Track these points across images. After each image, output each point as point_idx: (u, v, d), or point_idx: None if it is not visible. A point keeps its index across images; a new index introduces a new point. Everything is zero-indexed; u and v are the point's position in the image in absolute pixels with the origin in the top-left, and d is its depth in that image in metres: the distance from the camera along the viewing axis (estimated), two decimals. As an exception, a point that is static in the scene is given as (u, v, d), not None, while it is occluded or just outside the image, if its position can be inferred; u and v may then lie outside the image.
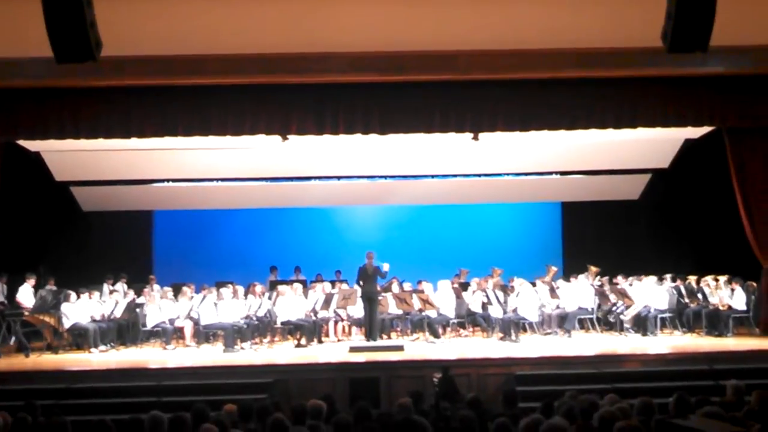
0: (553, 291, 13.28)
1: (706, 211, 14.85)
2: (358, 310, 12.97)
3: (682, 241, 15.35)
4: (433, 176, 15.28)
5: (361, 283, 12.54)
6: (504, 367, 10.44)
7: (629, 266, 14.30)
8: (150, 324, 12.77)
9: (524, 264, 14.82)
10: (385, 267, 12.52)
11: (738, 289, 13.05)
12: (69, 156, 13.18)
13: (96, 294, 13.02)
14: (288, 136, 11.52)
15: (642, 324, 12.90)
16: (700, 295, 13.22)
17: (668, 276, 13.76)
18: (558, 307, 13.19)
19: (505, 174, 15.17)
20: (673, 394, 5.90)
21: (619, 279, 13.85)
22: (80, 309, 12.40)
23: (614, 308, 13.12)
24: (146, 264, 16.50)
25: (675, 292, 13.42)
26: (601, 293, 13.43)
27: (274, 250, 16.51)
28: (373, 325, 12.30)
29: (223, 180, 15.06)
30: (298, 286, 13.48)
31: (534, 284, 13.34)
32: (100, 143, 11.17)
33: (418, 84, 10.61)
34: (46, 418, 6.33)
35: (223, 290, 12.72)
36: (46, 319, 12.31)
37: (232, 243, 16.89)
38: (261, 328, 12.87)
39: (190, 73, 9.76)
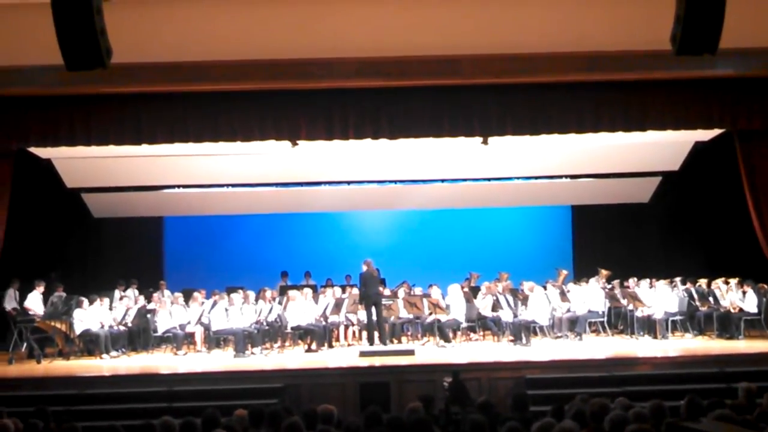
0: (563, 294, 13.27)
1: (716, 213, 14.80)
2: (368, 314, 12.96)
3: (692, 244, 15.30)
4: (443, 180, 15.26)
5: (364, 288, 12.36)
6: (514, 371, 10.43)
7: (640, 269, 14.27)
8: (161, 330, 12.83)
9: (535, 267, 14.80)
10: None
11: (749, 291, 13.02)
12: (80, 163, 13.23)
13: (107, 300, 13.09)
14: (297, 142, 11.53)
15: (653, 327, 12.87)
16: (711, 298, 13.18)
17: (679, 279, 13.72)
18: (569, 310, 13.18)
19: (514, 178, 15.14)
20: (685, 397, 5.87)
21: (630, 283, 13.82)
22: (91, 315, 12.46)
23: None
24: (157, 270, 16.52)
25: (686, 294, 13.38)
26: (611, 296, 13.39)
27: (285, 256, 16.51)
28: (381, 328, 12.24)
29: (233, 186, 15.08)
30: (309, 291, 13.50)
31: (545, 288, 13.33)
32: (111, 150, 11.20)
33: (427, 88, 10.60)
34: (57, 424, 6.34)
35: (233, 296, 12.77)
36: (58, 325, 12.35)
37: (243, 248, 16.91)
38: (271, 333, 12.87)
39: (199, 80, 9.77)
